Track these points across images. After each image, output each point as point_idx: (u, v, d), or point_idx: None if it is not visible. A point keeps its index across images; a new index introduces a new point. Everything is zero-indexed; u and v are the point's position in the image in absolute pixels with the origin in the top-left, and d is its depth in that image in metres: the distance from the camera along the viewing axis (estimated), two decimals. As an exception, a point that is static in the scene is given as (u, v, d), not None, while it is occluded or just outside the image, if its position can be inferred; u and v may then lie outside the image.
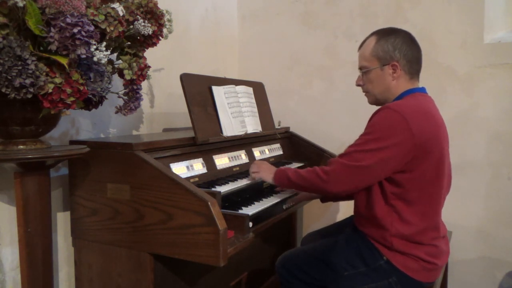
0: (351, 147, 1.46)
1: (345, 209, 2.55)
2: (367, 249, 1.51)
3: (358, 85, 1.64)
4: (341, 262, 1.54)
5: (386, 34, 1.53)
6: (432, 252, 1.47)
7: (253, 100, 2.13)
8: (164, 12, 1.59)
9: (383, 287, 1.48)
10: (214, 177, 1.75)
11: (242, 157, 2.00)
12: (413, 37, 1.55)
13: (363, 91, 1.64)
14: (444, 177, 1.50)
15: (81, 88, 1.21)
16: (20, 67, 1.09)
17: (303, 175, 1.54)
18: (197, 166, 1.68)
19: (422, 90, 1.56)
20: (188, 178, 1.57)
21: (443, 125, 1.52)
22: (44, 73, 1.15)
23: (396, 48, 1.50)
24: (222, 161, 1.84)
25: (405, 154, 1.38)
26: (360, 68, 1.60)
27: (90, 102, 1.38)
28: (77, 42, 1.14)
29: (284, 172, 1.63)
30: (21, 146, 1.27)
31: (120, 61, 1.55)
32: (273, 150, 2.30)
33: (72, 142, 1.58)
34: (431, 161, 1.42)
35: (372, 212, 1.49)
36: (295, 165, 2.25)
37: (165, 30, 1.61)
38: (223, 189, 1.58)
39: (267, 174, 1.69)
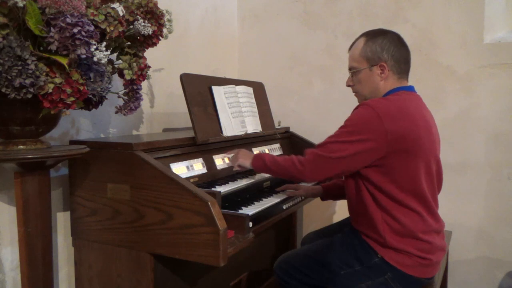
0: (327, 138, 1.52)
1: (345, 209, 2.54)
2: (361, 248, 1.53)
3: (348, 85, 1.68)
4: (338, 262, 1.55)
5: (374, 35, 1.56)
6: (425, 248, 1.47)
7: (253, 100, 2.13)
8: (164, 12, 1.59)
9: (380, 284, 1.49)
10: (214, 177, 1.75)
11: (242, 157, 1.99)
12: (401, 38, 1.58)
13: (353, 92, 1.67)
14: (431, 175, 1.51)
15: (81, 88, 1.21)
16: (20, 67, 1.09)
17: (280, 162, 1.61)
18: (197, 166, 1.68)
19: (409, 88, 1.58)
20: (188, 178, 1.57)
21: (427, 123, 1.52)
22: (44, 73, 1.15)
23: (384, 49, 1.53)
24: (222, 161, 1.84)
25: (377, 150, 1.42)
26: (350, 69, 1.64)
27: (90, 102, 1.38)
28: (77, 42, 1.14)
29: (261, 157, 1.69)
30: (21, 146, 1.27)
31: (120, 61, 1.55)
32: (273, 150, 2.30)
33: (72, 142, 1.58)
34: (411, 158, 1.44)
35: (363, 210, 1.51)
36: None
37: (165, 30, 1.61)
38: (223, 189, 1.58)
39: (245, 160, 1.73)
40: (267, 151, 2.22)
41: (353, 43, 1.64)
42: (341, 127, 1.51)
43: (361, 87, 1.61)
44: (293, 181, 1.98)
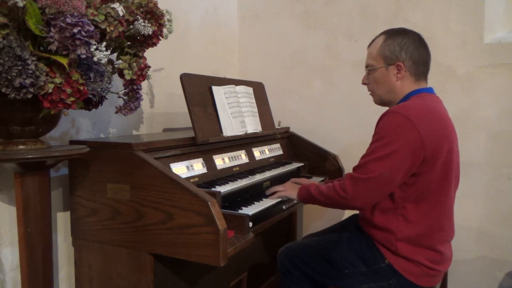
0: (362, 158, 1.44)
1: (345, 210, 2.55)
2: (370, 250, 1.52)
3: (363, 83, 1.64)
4: (342, 260, 1.54)
5: (394, 34, 1.53)
6: (435, 259, 1.46)
7: (253, 100, 2.13)
8: (164, 12, 1.59)
9: (382, 287, 1.49)
10: (214, 177, 1.75)
11: (242, 157, 2.00)
12: (422, 39, 1.54)
13: (368, 90, 1.64)
14: (452, 176, 1.48)
15: (81, 88, 1.21)
16: (20, 67, 1.10)
17: (323, 191, 1.53)
18: (197, 166, 1.68)
19: (429, 90, 1.55)
20: (188, 178, 1.57)
21: (451, 123, 1.50)
22: (44, 73, 1.15)
23: (403, 49, 1.49)
24: (222, 161, 1.84)
25: (416, 154, 1.36)
26: (366, 66, 1.60)
27: (90, 102, 1.38)
28: (77, 42, 1.14)
29: (307, 188, 1.63)
30: (21, 146, 1.27)
31: (120, 61, 1.55)
32: (273, 150, 2.30)
33: (72, 142, 1.58)
34: (441, 161, 1.41)
35: (378, 215, 1.48)
36: (295, 165, 2.25)
37: (165, 30, 1.61)
38: (223, 189, 1.58)
39: (292, 192, 1.71)
40: (267, 151, 2.22)
41: (373, 40, 1.60)
42: (373, 142, 1.43)
43: (376, 86, 1.58)
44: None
